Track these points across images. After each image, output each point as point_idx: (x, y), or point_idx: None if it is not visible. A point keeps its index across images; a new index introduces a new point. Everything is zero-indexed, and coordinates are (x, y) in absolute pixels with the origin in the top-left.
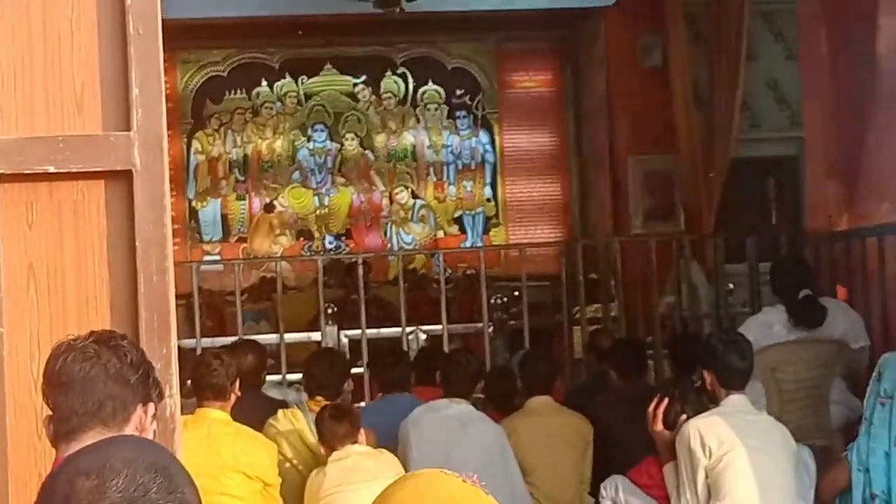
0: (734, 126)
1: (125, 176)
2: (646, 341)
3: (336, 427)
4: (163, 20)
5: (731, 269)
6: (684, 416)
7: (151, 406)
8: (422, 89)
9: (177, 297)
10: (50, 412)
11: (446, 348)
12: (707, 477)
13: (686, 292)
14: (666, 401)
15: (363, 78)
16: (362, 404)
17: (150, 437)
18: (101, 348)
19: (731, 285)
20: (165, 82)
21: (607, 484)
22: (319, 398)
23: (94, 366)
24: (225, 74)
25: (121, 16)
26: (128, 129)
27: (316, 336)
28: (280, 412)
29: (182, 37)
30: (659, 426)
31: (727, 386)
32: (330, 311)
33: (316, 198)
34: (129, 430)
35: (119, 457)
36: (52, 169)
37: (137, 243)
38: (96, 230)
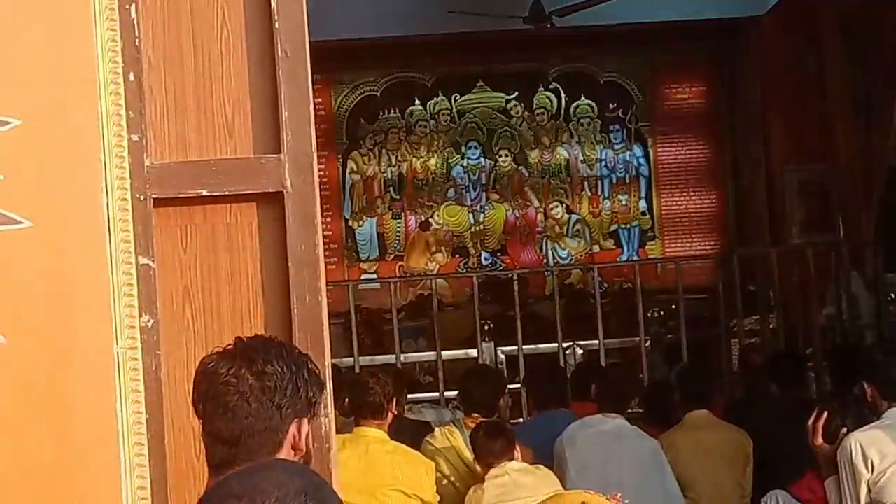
0: (892, 133)
1: (277, 198)
2: (805, 353)
3: (491, 444)
4: (316, 42)
5: (893, 279)
6: (845, 430)
7: (305, 423)
8: (574, 104)
9: (334, 315)
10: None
11: (603, 363)
12: (870, 491)
13: (846, 303)
14: (826, 414)
15: (515, 94)
16: (520, 420)
17: (307, 452)
18: (241, 377)
19: (892, 295)
20: (320, 103)
21: (768, 499)
22: (475, 415)
23: (235, 397)
24: (378, 94)
25: (269, 39)
26: (278, 151)
27: (473, 353)
28: (437, 430)
29: (335, 58)
30: (819, 440)
31: (889, 398)
32: (486, 327)
33: (471, 215)
34: (283, 452)
35: (270, 481)
36: (205, 192)
37: (290, 264)
38: (249, 252)
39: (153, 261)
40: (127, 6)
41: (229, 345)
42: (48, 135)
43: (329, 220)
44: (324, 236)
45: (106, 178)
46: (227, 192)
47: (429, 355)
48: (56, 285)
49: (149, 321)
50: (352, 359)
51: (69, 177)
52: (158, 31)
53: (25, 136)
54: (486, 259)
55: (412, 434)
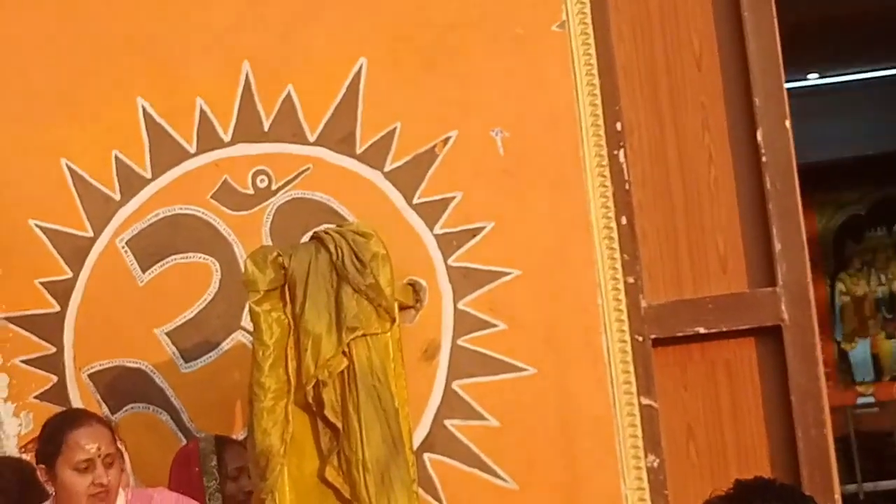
0: None
1: (775, 331)
2: None
3: None
4: (799, 165)
5: None
6: None
7: None
8: None
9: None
10: None
11: None
12: None
13: None
14: None
15: None
16: None
17: None
18: None
19: None
20: (805, 227)
21: None
22: None
23: None
24: (863, 212)
25: (757, 174)
26: (773, 284)
27: None
28: None
29: (818, 179)
30: None
31: None
32: None
33: None
34: None
35: None
36: (702, 330)
37: (792, 397)
38: (750, 387)
39: (655, 401)
40: (615, 151)
41: (730, 489)
42: (547, 282)
43: (822, 344)
44: None
45: (604, 321)
46: (724, 329)
47: None
48: (563, 430)
49: (654, 461)
50: (854, 485)
51: (568, 321)
52: (647, 173)
53: (525, 285)
54: None
55: None
